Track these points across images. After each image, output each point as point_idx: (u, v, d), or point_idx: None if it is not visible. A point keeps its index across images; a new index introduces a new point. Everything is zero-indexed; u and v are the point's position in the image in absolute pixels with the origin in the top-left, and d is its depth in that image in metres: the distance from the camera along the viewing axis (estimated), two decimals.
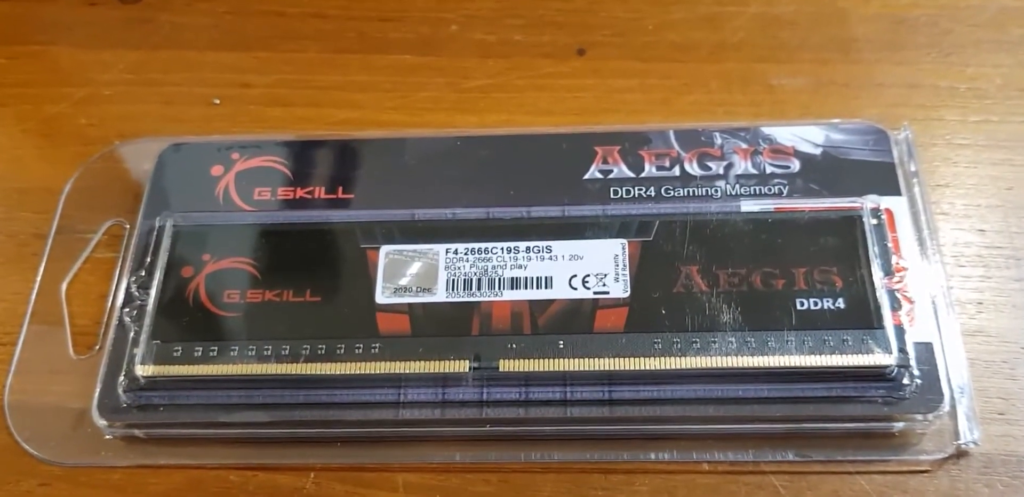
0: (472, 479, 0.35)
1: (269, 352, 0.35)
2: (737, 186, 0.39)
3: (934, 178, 0.41)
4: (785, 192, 0.39)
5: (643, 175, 0.39)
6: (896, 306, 0.35)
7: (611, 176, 0.39)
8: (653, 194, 0.39)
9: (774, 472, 0.34)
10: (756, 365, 0.34)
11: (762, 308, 0.35)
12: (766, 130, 0.40)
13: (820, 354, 0.34)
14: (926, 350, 0.34)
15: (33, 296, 0.39)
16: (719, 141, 0.40)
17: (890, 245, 0.36)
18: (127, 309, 0.37)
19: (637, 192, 0.39)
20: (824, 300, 0.35)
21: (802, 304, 0.35)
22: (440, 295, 0.36)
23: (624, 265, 0.36)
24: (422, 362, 0.35)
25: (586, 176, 0.40)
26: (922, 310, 0.35)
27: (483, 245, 0.37)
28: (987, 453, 0.34)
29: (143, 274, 0.38)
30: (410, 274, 0.37)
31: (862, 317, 0.34)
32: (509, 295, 0.36)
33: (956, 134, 0.42)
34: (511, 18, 0.47)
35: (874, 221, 0.37)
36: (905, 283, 0.36)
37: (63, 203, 0.41)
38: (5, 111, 0.46)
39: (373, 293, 0.36)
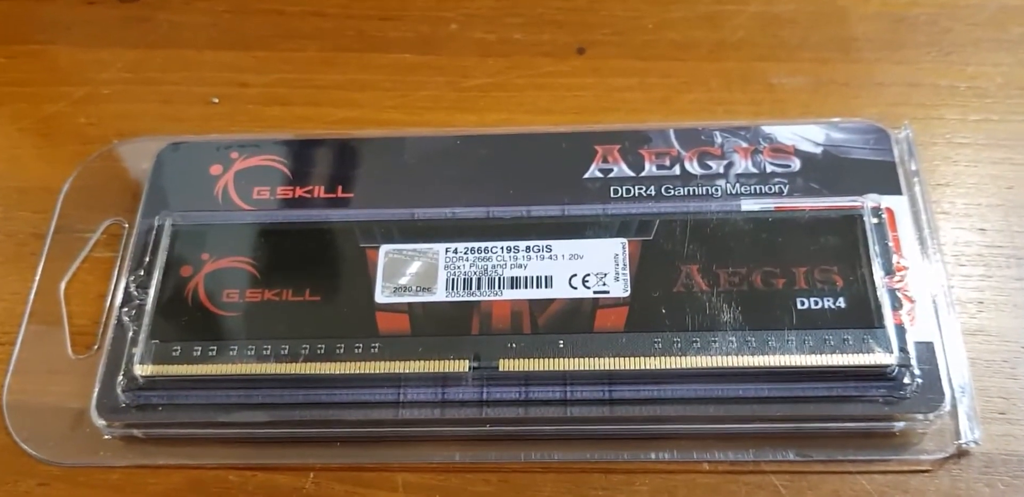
0: (472, 479, 0.35)
1: (268, 352, 0.35)
2: (737, 185, 0.39)
3: (935, 177, 0.40)
4: (785, 191, 0.38)
5: (643, 174, 0.39)
6: (897, 305, 0.35)
7: (611, 175, 0.39)
8: (653, 193, 0.39)
9: (775, 472, 0.34)
10: (756, 364, 0.34)
11: (762, 307, 0.35)
12: (766, 129, 0.40)
13: (821, 353, 0.34)
14: (927, 349, 0.34)
15: (32, 296, 0.39)
16: (719, 140, 0.40)
17: (891, 244, 0.36)
18: (126, 309, 0.37)
19: (637, 191, 0.39)
20: (825, 299, 0.35)
21: (803, 303, 0.35)
22: (440, 294, 0.36)
23: (624, 264, 0.36)
24: (422, 362, 0.34)
25: (586, 175, 0.39)
26: (923, 309, 0.35)
27: (483, 244, 0.37)
28: (988, 453, 0.34)
29: (142, 273, 0.38)
30: (410, 273, 0.37)
31: (863, 316, 0.34)
32: (509, 294, 0.36)
33: (956, 133, 0.42)
34: (511, 17, 0.47)
35: (875, 220, 0.37)
36: (906, 282, 0.36)
37: (62, 202, 0.41)
38: (3, 110, 0.46)
39: (373, 292, 0.36)
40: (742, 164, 0.39)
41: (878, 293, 0.35)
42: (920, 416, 0.34)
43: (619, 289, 0.36)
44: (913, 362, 0.34)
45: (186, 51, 0.47)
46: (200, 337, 0.36)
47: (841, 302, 0.35)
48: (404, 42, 0.47)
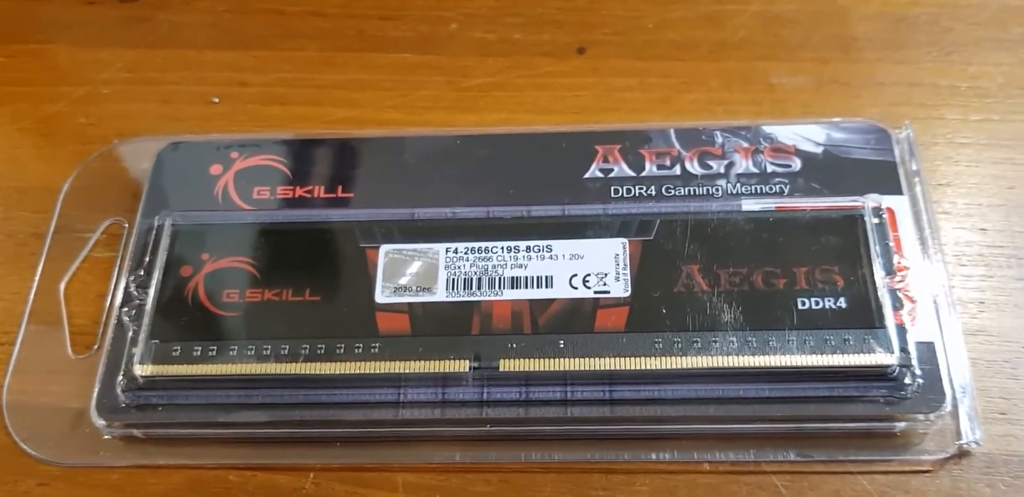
0: (472, 479, 0.35)
1: (268, 352, 0.35)
2: (738, 185, 0.39)
3: (935, 177, 0.40)
4: (786, 191, 0.38)
5: (644, 174, 0.39)
6: (898, 305, 0.35)
7: (612, 175, 0.39)
8: (654, 193, 0.39)
9: (775, 472, 0.34)
10: (757, 365, 0.34)
11: (763, 307, 0.35)
12: (767, 129, 0.40)
13: (821, 354, 0.34)
14: (928, 350, 0.34)
15: (31, 295, 0.39)
16: (720, 140, 0.40)
17: (891, 244, 0.36)
18: (126, 308, 0.37)
19: (638, 191, 0.39)
20: (825, 299, 0.35)
21: (803, 303, 0.35)
22: (440, 294, 0.36)
23: (625, 264, 0.36)
24: (422, 362, 0.34)
25: (586, 175, 0.39)
26: (924, 309, 0.35)
27: (483, 244, 0.37)
28: (989, 453, 0.34)
29: (142, 273, 0.38)
30: (410, 273, 0.37)
31: (864, 316, 0.34)
32: (509, 294, 0.36)
33: (957, 133, 0.42)
34: (511, 17, 0.47)
35: (875, 220, 0.37)
36: (907, 282, 0.36)
37: (61, 202, 0.41)
38: (3, 110, 0.46)
39: (373, 292, 0.36)
40: (743, 164, 0.39)
41: (879, 293, 0.35)
42: (921, 416, 0.34)
43: (620, 289, 0.36)
44: (914, 362, 0.34)
45: (186, 51, 0.47)
46: (200, 337, 0.36)
47: (842, 302, 0.35)
48: (404, 42, 0.47)
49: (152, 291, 0.37)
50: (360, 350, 0.35)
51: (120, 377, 0.35)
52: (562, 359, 0.34)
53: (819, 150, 0.39)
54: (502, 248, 0.37)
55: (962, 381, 0.34)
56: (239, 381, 0.35)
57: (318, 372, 0.35)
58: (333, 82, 0.45)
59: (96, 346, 0.37)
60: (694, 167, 0.39)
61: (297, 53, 0.46)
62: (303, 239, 0.38)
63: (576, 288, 0.36)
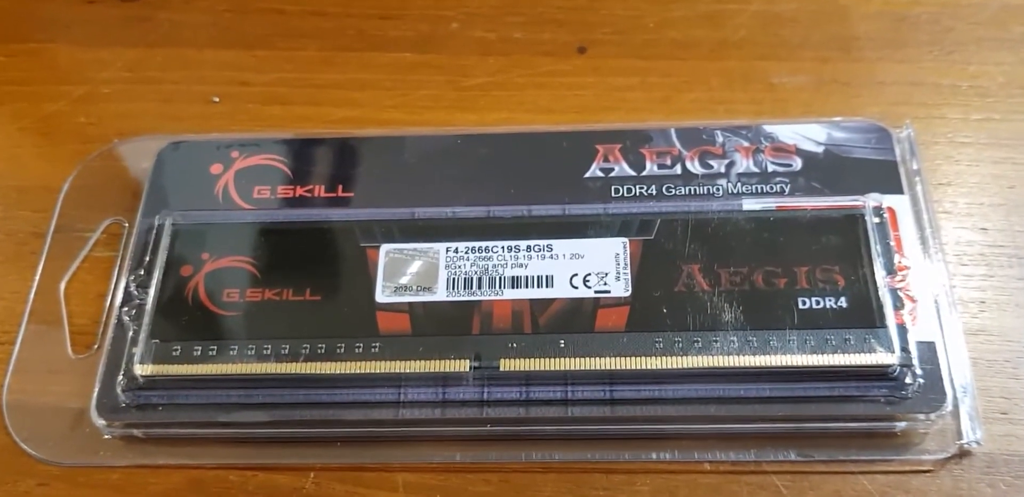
0: (472, 479, 0.35)
1: (268, 351, 0.35)
2: (739, 184, 0.39)
3: (936, 176, 0.40)
4: (787, 190, 0.38)
5: (644, 173, 0.39)
6: (898, 305, 0.35)
7: (612, 174, 0.39)
8: (654, 192, 0.39)
9: (776, 472, 0.34)
10: (758, 364, 0.34)
11: (764, 307, 0.35)
12: (768, 128, 0.40)
13: (822, 353, 0.34)
14: (928, 349, 0.34)
15: (31, 295, 0.39)
16: (721, 139, 0.40)
17: (892, 244, 0.36)
18: (126, 308, 0.37)
19: (638, 190, 0.39)
20: (826, 299, 0.35)
21: (804, 303, 0.35)
22: (440, 294, 0.36)
23: (625, 264, 0.36)
24: (422, 361, 0.34)
25: (587, 174, 0.39)
26: (924, 309, 0.35)
27: (484, 244, 0.37)
28: (990, 453, 0.34)
29: (142, 273, 0.37)
30: (410, 273, 0.37)
31: (864, 316, 0.34)
32: (510, 294, 0.36)
33: (958, 132, 0.42)
34: (511, 16, 0.47)
35: (876, 220, 0.37)
36: (907, 282, 0.36)
37: (61, 201, 0.41)
38: (3, 109, 0.46)
39: (373, 292, 0.36)
40: (743, 163, 0.39)
41: (880, 293, 0.35)
42: (922, 416, 0.33)
43: (620, 289, 0.36)
44: (915, 362, 0.34)
45: (186, 50, 0.47)
46: (200, 337, 0.36)
47: (843, 302, 0.35)
48: (404, 41, 0.46)
49: (152, 291, 0.37)
50: (360, 350, 0.35)
51: (120, 377, 0.35)
52: (563, 359, 0.34)
53: (820, 149, 0.39)
54: (502, 248, 0.37)
55: (963, 381, 0.34)
56: (239, 381, 0.35)
57: (318, 372, 0.35)
58: (333, 81, 0.45)
59: (96, 346, 0.37)
60: (695, 166, 0.39)
61: (297, 52, 0.46)
62: (303, 239, 0.38)
63: (576, 288, 0.36)
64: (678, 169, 0.39)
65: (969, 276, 0.38)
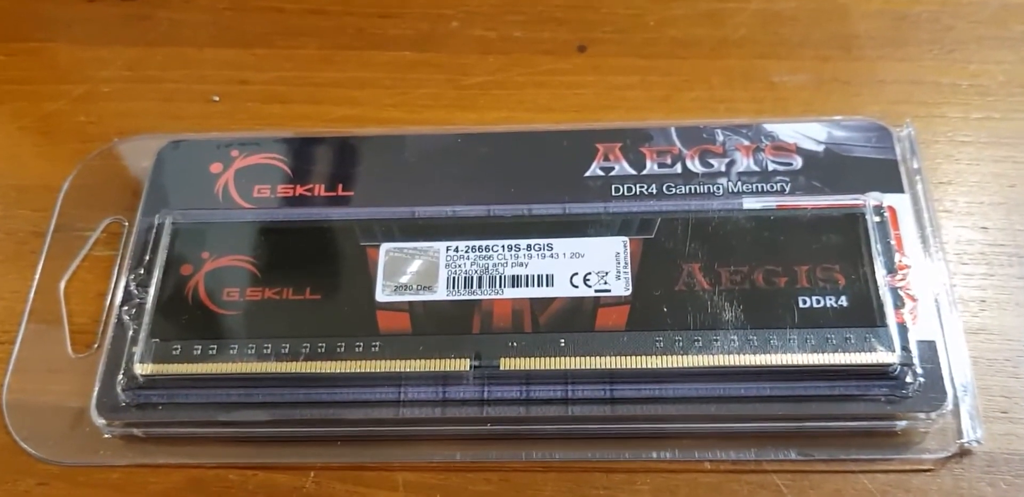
0: (473, 478, 0.35)
1: (269, 350, 0.35)
2: (739, 183, 0.39)
3: (936, 175, 0.40)
4: (787, 189, 0.38)
5: (645, 172, 0.39)
6: (899, 304, 0.35)
7: (612, 173, 0.39)
8: (655, 191, 0.39)
9: (776, 471, 0.34)
10: (758, 363, 0.34)
11: (764, 306, 0.35)
12: (768, 127, 0.40)
13: (823, 352, 0.34)
14: (929, 348, 0.34)
15: (31, 294, 0.39)
16: (721, 138, 0.40)
17: (893, 243, 0.36)
18: (126, 307, 0.37)
19: (639, 189, 0.39)
20: (827, 298, 0.35)
21: (804, 302, 0.35)
22: (441, 293, 0.36)
23: (626, 263, 0.36)
24: (422, 360, 0.34)
25: (587, 173, 0.39)
26: (925, 308, 0.35)
27: (484, 243, 0.37)
28: (990, 452, 0.34)
29: (142, 272, 0.37)
30: (410, 272, 0.37)
31: (865, 315, 0.34)
32: (510, 293, 0.36)
33: (958, 131, 0.42)
34: (511, 14, 0.47)
35: (877, 218, 0.36)
36: (908, 281, 0.36)
37: (61, 201, 0.41)
38: (3, 108, 0.46)
39: (373, 291, 0.36)
40: (744, 162, 0.39)
41: (880, 292, 0.35)
42: (922, 415, 0.33)
43: (620, 288, 0.36)
44: (915, 361, 0.34)
45: (186, 49, 0.47)
46: (200, 336, 0.35)
47: (843, 301, 0.35)
48: (404, 40, 0.46)
49: (152, 290, 0.37)
50: (360, 349, 0.35)
51: (120, 376, 0.35)
52: (563, 358, 0.34)
53: (820, 148, 0.39)
54: (503, 247, 0.37)
55: (963, 380, 0.34)
56: (239, 380, 0.35)
57: (318, 371, 0.34)
58: (333, 80, 0.45)
59: (96, 345, 0.37)
60: (695, 165, 0.39)
61: (297, 51, 0.46)
62: (303, 238, 0.38)
63: (577, 287, 0.36)
64: (678, 168, 0.39)
65: (970, 275, 0.38)
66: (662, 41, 0.45)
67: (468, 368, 0.34)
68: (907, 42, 0.44)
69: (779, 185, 0.38)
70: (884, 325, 0.34)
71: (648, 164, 0.39)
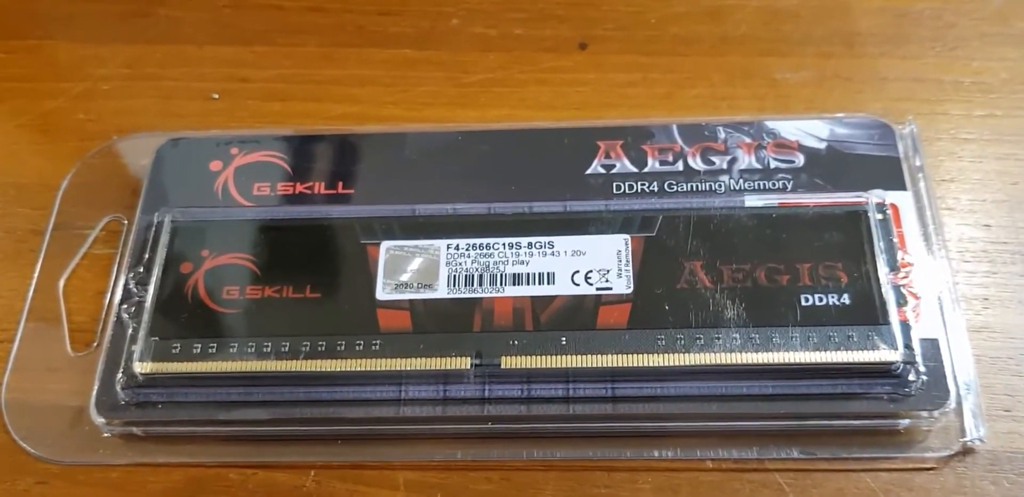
0: (474, 477, 0.35)
1: (269, 349, 0.35)
2: (741, 181, 0.38)
3: (939, 173, 0.40)
4: (789, 187, 0.38)
5: (646, 170, 0.39)
6: (902, 302, 0.35)
7: (614, 171, 0.39)
8: (656, 189, 0.39)
9: (778, 470, 0.34)
10: (760, 362, 0.34)
11: (766, 304, 0.35)
12: (770, 124, 0.40)
13: (825, 350, 0.34)
14: (932, 346, 0.34)
15: (30, 293, 0.39)
16: (723, 135, 0.40)
17: (895, 240, 0.36)
18: (125, 306, 0.37)
19: (640, 187, 0.39)
20: (829, 296, 0.35)
21: (807, 300, 0.35)
22: (441, 291, 0.36)
23: (627, 261, 0.36)
24: (423, 359, 0.34)
25: (588, 171, 0.39)
26: (928, 306, 0.35)
27: (485, 241, 0.37)
28: (993, 450, 0.34)
29: (141, 270, 0.37)
30: (411, 270, 0.36)
31: (867, 313, 0.34)
32: (511, 291, 0.36)
33: (961, 129, 0.42)
34: (512, 12, 0.47)
35: (879, 216, 0.36)
36: (910, 279, 0.35)
37: (60, 199, 0.41)
38: (2, 106, 0.46)
39: (373, 289, 0.36)
40: (746, 160, 0.39)
41: (883, 290, 0.35)
42: (925, 413, 0.33)
43: (622, 286, 0.36)
44: (918, 359, 0.34)
45: (185, 46, 0.47)
46: (200, 334, 0.35)
47: (845, 298, 0.35)
48: (404, 37, 0.46)
49: (152, 288, 0.37)
50: (361, 347, 0.35)
51: (119, 374, 0.35)
52: (564, 356, 0.34)
53: (822, 146, 0.39)
54: (504, 244, 0.37)
55: (966, 378, 0.34)
56: (239, 378, 0.35)
57: (319, 369, 0.34)
58: (333, 78, 0.45)
59: (95, 343, 0.37)
60: (697, 163, 0.39)
61: (297, 49, 0.46)
62: (303, 236, 0.38)
63: (578, 285, 0.36)
64: (680, 165, 0.39)
65: (972, 273, 0.38)
66: (663, 38, 0.45)
67: (469, 366, 0.34)
68: (909, 39, 0.44)
69: (781, 183, 0.38)
70: (887, 323, 0.34)
71: (650, 162, 0.39)
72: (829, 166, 0.39)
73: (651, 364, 0.34)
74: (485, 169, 0.40)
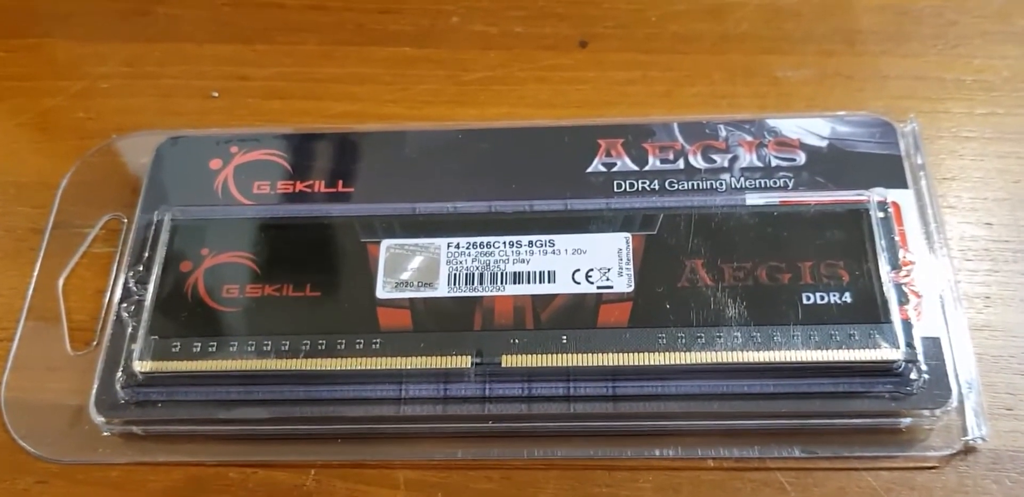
0: (474, 476, 0.35)
1: (268, 348, 0.35)
2: (742, 179, 0.38)
3: (940, 171, 0.40)
4: (791, 185, 0.38)
5: (647, 168, 0.39)
6: (903, 300, 0.35)
7: (614, 169, 0.39)
8: (657, 187, 0.38)
9: (780, 468, 0.34)
10: (762, 360, 0.34)
11: (768, 302, 0.35)
12: (771, 122, 0.40)
13: (826, 349, 0.33)
14: (933, 345, 0.34)
15: (30, 291, 0.39)
16: (724, 133, 0.40)
17: (897, 239, 0.36)
18: (125, 304, 0.37)
19: (641, 185, 0.39)
20: (830, 294, 0.35)
21: (808, 298, 0.35)
22: (442, 290, 0.36)
23: (628, 259, 0.36)
24: (423, 357, 0.34)
25: (589, 169, 0.39)
26: (929, 304, 0.35)
27: (485, 239, 0.37)
28: (995, 449, 0.34)
29: (141, 269, 0.37)
30: (411, 268, 0.36)
31: (869, 311, 0.34)
32: (511, 290, 0.36)
33: (962, 127, 0.41)
34: (512, 10, 0.47)
35: (881, 214, 0.36)
36: (912, 277, 0.35)
37: (60, 197, 0.41)
38: (1, 105, 0.46)
39: (374, 288, 0.36)
40: (747, 158, 0.39)
41: (884, 288, 0.35)
42: (927, 412, 0.33)
43: (623, 284, 0.35)
44: (920, 358, 0.34)
45: (185, 45, 0.47)
46: (200, 333, 0.35)
47: (847, 297, 0.34)
48: (404, 35, 0.46)
49: (151, 287, 0.37)
50: (361, 346, 0.35)
51: (119, 373, 0.35)
52: (565, 355, 0.34)
53: (824, 144, 0.39)
54: (504, 243, 0.37)
55: (968, 377, 0.34)
56: (239, 377, 0.35)
57: (319, 368, 0.34)
58: (333, 76, 0.45)
59: (95, 342, 0.37)
60: (697, 161, 0.39)
61: (297, 47, 0.46)
62: (303, 234, 0.38)
63: (579, 283, 0.36)
64: (681, 164, 0.39)
65: (974, 271, 0.38)
66: (664, 36, 0.45)
67: (469, 365, 0.34)
68: (911, 37, 0.44)
69: (782, 181, 0.38)
70: (888, 321, 0.34)
71: (650, 160, 0.39)
72: (830, 164, 0.39)
73: (652, 363, 0.34)
74: (485, 167, 0.40)
